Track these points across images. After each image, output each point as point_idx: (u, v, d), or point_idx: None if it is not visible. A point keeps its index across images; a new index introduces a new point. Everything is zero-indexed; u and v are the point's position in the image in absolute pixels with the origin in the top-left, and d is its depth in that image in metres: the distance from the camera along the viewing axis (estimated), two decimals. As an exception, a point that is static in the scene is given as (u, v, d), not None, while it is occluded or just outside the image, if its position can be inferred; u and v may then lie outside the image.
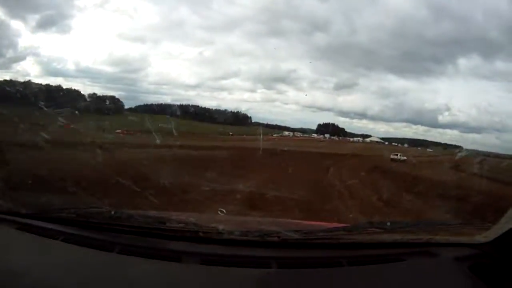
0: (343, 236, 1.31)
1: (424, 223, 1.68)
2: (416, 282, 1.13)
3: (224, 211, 2.32)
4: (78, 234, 1.28)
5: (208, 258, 1.13)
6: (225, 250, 1.19)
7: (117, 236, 1.26)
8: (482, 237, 1.29)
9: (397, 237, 1.36)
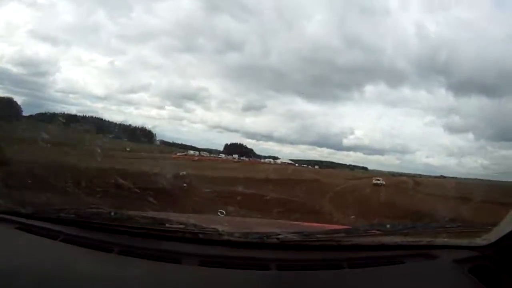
0: (343, 238, 1.31)
1: (424, 225, 1.68)
2: (416, 285, 1.12)
3: (224, 212, 2.32)
4: (77, 235, 1.28)
5: (208, 259, 1.13)
6: (224, 251, 1.19)
7: (116, 237, 1.26)
8: (482, 240, 1.29)
9: (397, 239, 1.35)
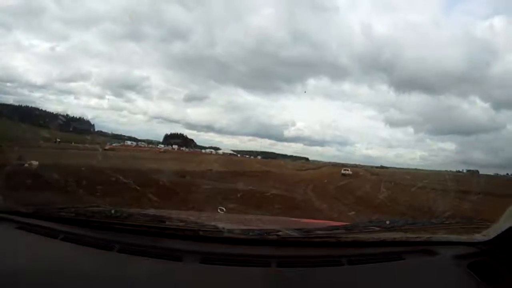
0: (343, 234, 1.31)
1: (424, 221, 1.69)
2: (415, 281, 1.13)
3: (224, 209, 2.33)
4: (77, 233, 1.28)
5: (208, 256, 1.13)
6: (225, 248, 1.20)
7: (117, 235, 1.26)
8: (481, 236, 1.30)
9: (396, 235, 1.36)
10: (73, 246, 1.21)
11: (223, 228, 1.26)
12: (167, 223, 1.31)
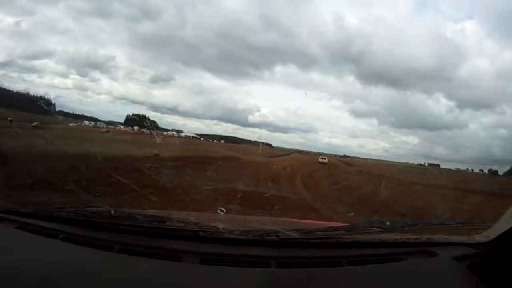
0: (343, 235, 1.31)
1: (424, 222, 1.68)
2: (415, 282, 1.13)
3: (224, 210, 2.33)
4: (77, 233, 1.28)
5: (208, 257, 1.13)
6: (225, 249, 1.20)
7: (116, 235, 1.26)
8: (481, 237, 1.29)
9: (396, 236, 1.36)
10: (72, 246, 1.20)
11: (223, 228, 1.26)
12: (167, 223, 1.31)
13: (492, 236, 1.24)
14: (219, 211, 2.29)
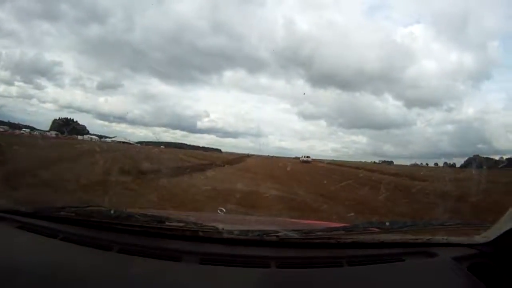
0: (343, 236, 1.31)
1: (423, 223, 1.68)
2: (415, 282, 1.13)
3: (224, 210, 2.33)
4: (77, 233, 1.28)
5: (208, 257, 1.13)
6: (224, 249, 1.19)
7: (116, 235, 1.26)
8: (481, 237, 1.29)
9: (396, 237, 1.36)
10: (72, 246, 1.21)
11: (223, 228, 1.26)
12: (166, 223, 1.31)
13: (492, 237, 1.24)
14: (219, 211, 2.29)
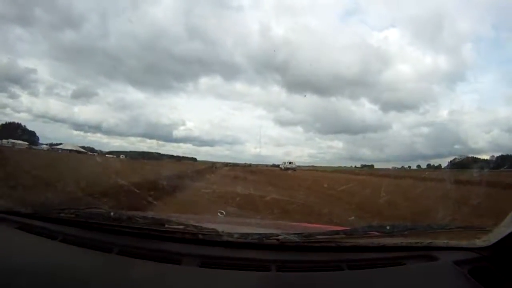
0: (343, 239, 1.31)
1: (424, 226, 1.68)
2: (416, 286, 1.12)
3: (224, 212, 2.33)
4: (77, 235, 1.28)
5: (208, 260, 1.13)
6: (224, 252, 1.19)
7: (116, 237, 1.26)
8: (482, 241, 1.29)
9: (397, 240, 1.35)
10: (72, 248, 1.20)
11: (223, 231, 1.25)
12: (166, 226, 1.31)
13: (493, 241, 1.24)
14: (219, 214, 2.29)
